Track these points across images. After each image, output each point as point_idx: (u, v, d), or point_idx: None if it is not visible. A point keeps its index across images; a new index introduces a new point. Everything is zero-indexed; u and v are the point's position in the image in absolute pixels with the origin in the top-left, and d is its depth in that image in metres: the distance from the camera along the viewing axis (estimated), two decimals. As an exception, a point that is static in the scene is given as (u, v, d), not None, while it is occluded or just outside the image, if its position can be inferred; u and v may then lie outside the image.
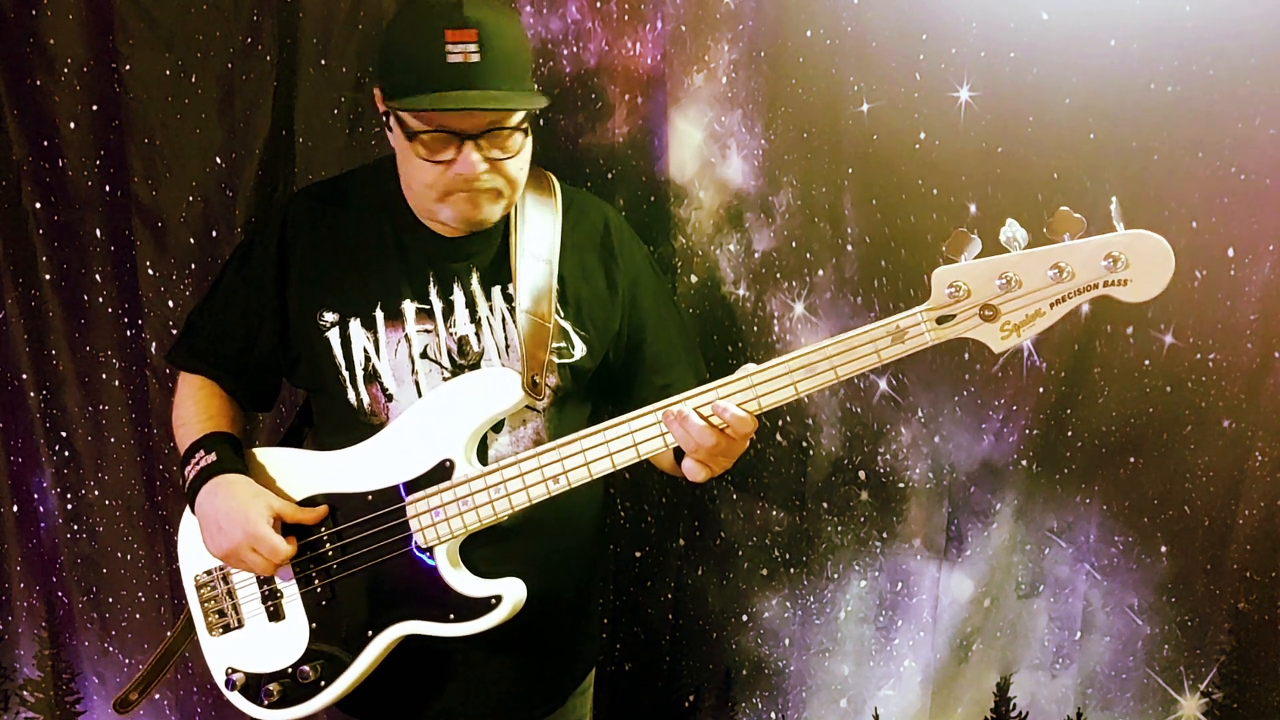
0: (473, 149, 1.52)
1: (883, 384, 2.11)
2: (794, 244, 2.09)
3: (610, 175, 2.14)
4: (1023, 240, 1.31)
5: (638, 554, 2.30)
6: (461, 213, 1.59)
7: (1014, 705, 2.21)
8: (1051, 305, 1.32)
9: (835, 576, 2.21)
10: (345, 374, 1.66)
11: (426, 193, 1.58)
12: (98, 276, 2.30)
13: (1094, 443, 2.06)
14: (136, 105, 2.18)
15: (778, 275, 2.11)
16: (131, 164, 2.21)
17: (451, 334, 1.66)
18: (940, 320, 1.36)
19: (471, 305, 1.66)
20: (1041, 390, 2.04)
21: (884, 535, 2.18)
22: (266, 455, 1.72)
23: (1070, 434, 2.06)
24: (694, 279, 2.15)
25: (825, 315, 2.08)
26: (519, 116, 1.55)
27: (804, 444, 2.16)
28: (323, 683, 1.65)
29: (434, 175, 1.55)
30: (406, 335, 1.65)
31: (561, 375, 1.67)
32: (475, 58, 1.48)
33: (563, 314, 1.67)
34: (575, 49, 2.09)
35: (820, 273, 2.08)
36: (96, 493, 2.42)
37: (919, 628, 2.20)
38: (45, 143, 2.23)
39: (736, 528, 2.24)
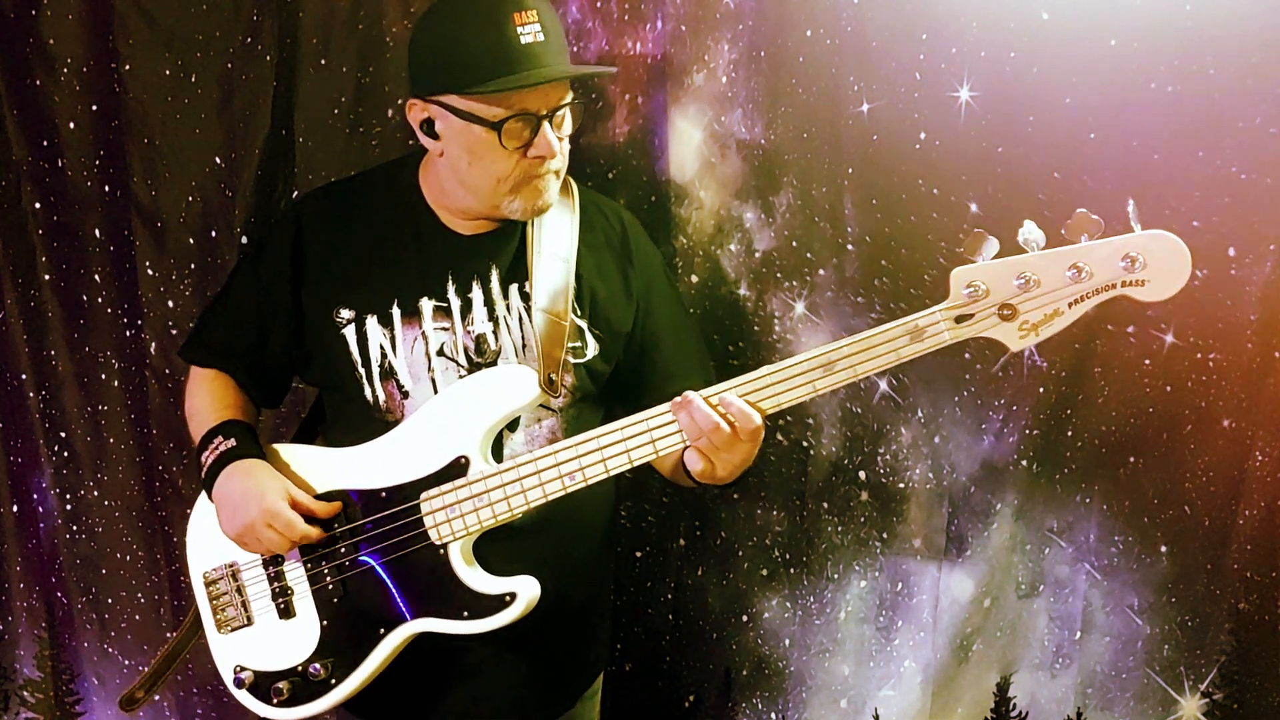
0: (549, 128, 1.53)
1: (883, 385, 2.11)
2: (794, 244, 2.09)
3: (610, 175, 2.14)
4: (1040, 241, 1.31)
5: (638, 554, 2.30)
6: (530, 200, 1.60)
7: (1014, 705, 2.21)
8: (1070, 305, 1.32)
9: (835, 577, 2.21)
10: (361, 371, 1.66)
11: (498, 187, 1.57)
12: (97, 276, 2.29)
13: (1094, 443, 2.06)
14: (136, 105, 2.17)
15: (778, 275, 2.11)
16: (131, 164, 2.21)
17: (469, 332, 1.65)
18: (958, 319, 1.36)
19: (490, 304, 1.66)
20: (1041, 390, 2.04)
21: (884, 536, 2.18)
22: (282, 451, 1.71)
23: (1070, 434, 2.06)
24: (694, 279, 2.15)
25: (826, 315, 2.08)
26: (571, 96, 1.59)
27: (804, 444, 2.16)
28: (333, 681, 1.64)
29: (509, 165, 1.55)
30: (423, 332, 1.65)
31: (578, 376, 1.67)
32: (541, 37, 1.51)
33: (579, 313, 1.67)
34: (575, 49, 2.09)
35: (821, 272, 2.08)
36: (96, 493, 2.41)
37: (919, 628, 2.20)
38: (45, 143, 2.22)
39: (736, 528, 2.24)
